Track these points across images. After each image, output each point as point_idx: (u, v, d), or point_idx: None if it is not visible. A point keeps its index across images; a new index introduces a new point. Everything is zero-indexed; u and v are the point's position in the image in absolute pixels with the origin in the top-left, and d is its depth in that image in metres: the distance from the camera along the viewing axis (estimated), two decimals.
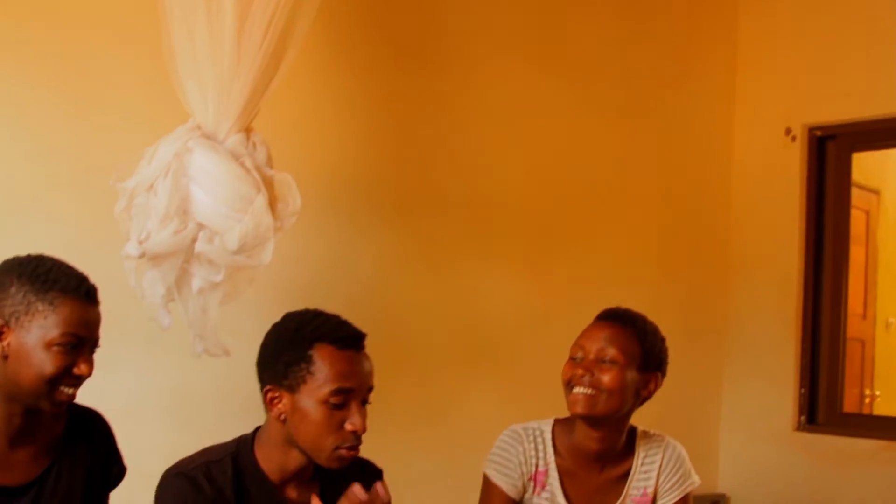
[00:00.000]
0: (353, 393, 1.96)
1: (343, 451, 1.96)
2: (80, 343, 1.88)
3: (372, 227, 4.03)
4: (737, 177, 5.14)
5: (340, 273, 3.91)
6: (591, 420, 2.25)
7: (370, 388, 2.00)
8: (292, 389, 1.93)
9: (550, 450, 2.34)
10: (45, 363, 1.85)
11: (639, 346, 2.27)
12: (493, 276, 4.33)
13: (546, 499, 2.31)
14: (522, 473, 2.31)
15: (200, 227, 2.79)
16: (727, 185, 5.14)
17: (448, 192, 4.25)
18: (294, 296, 3.63)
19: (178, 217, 2.76)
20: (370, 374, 2.00)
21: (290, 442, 1.97)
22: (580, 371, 2.23)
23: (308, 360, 1.93)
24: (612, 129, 4.71)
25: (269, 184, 2.85)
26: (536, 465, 2.32)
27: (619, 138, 4.73)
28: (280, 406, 1.95)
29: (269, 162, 2.92)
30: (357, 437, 1.96)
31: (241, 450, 2.03)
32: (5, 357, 1.87)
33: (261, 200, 2.77)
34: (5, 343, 1.86)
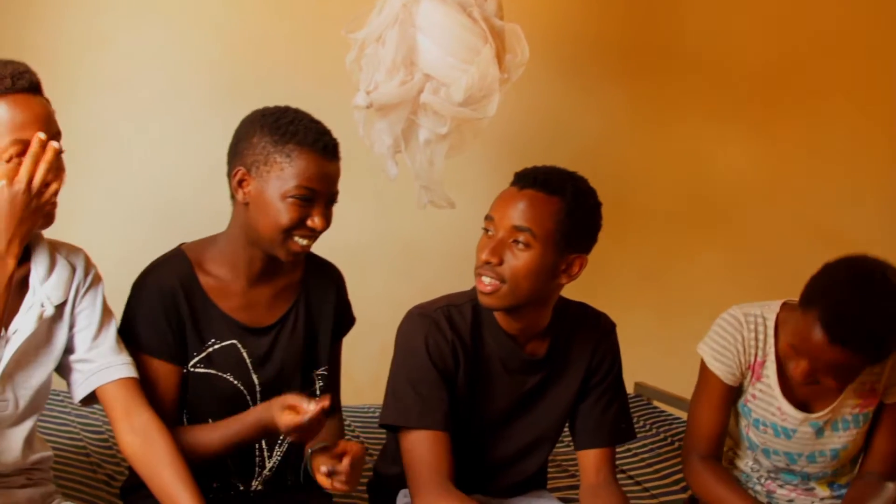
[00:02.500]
0: None
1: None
2: (314, 196, 1.90)
3: (600, 84, 3.92)
4: None
5: (565, 130, 3.84)
6: None
7: None
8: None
9: (771, 339, 2.19)
10: (280, 214, 1.88)
11: None
12: (722, 139, 4.14)
13: (762, 391, 2.21)
14: (741, 363, 2.20)
15: (427, 78, 2.77)
16: None
17: (679, 52, 4.05)
18: (518, 151, 3.61)
19: (404, 67, 2.76)
20: None
21: (547, 302, 2.00)
22: (800, 379, 2.05)
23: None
24: None
25: (497, 35, 2.79)
26: (755, 355, 2.20)
27: None
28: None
29: (499, 12, 2.85)
30: None
31: None
32: (246, 204, 1.93)
33: (488, 51, 2.72)
34: (247, 190, 1.92)
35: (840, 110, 4.28)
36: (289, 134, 1.89)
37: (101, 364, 1.83)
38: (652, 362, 3.76)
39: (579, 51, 3.78)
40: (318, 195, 1.91)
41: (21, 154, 1.65)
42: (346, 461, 1.82)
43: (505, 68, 2.82)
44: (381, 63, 2.76)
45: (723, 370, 2.21)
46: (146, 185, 3.46)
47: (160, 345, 1.93)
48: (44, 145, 1.66)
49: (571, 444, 2.20)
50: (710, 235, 4.15)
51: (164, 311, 1.94)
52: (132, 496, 2.03)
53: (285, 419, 1.83)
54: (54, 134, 1.71)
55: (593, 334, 2.11)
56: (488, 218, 1.95)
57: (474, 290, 2.06)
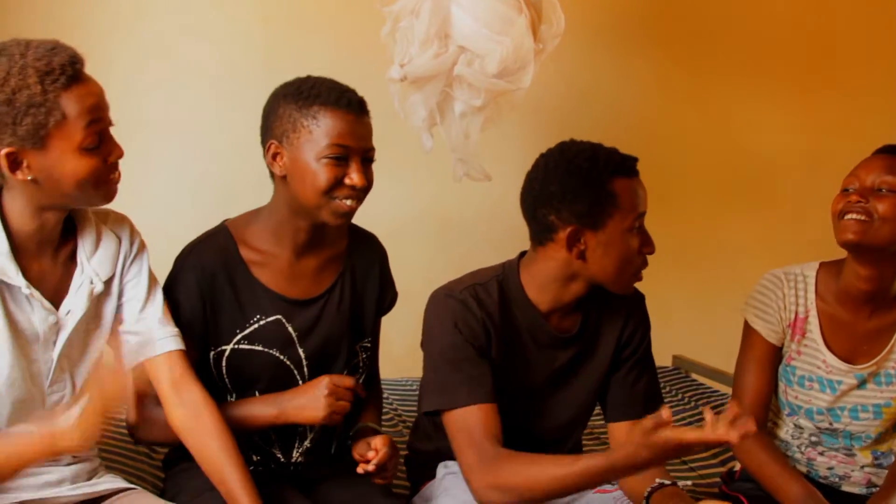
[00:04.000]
0: (644, 217, 1.97)
1: (640, 277, 2.00)
2: (348, 153, 1.89)
3: (637, 55, 3.87)
4: None
5: (603, 101, 3.81)
6: (861, 249, 2.10)
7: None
8: (597, 226, 1.91)
9: (812, 295, 2.23)
10: (318, 176, 1.88)
11: None
12: (759, 107, 4.08)
13: (806, 346, 2.22)
14: (781, 319, 2.23)
15: (461, 50, 2.75)
16: None
17: (716, 21, 3.99)
18: (555, 123, 3.59)
19: (438, 40, 2.74)
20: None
21: (575, 275, 1.98)
22: (854, 198, 2.08)
23: (612, 195, 1.90)
24: None
25: (531, 4, 2.75)
26: (796, 312, 2.23)
27: None
28: (580, 245, 1.93)
29: None
30: (646, 261, 1.98)
31: (508, 275, 2.04)
32: (284, 177, 1.93)
33: (522, 22, 2.69)
34: (282, 163, 1.92)
35: (881, 80, 4.21)
36: (311, 97, 1.89)
37: (149, 337, 1.84)
38: (690, 335, 3.75)
39: (617, 20, 3.74)
40: (352, 151, 1.90)
41: (98, 138, 1.64)
42: (371, 465, 1.90)
43: (540, 39, 2.79)
44: (416, 35, 2.75)
45: (766, 328, 2.23)
46: (183, 157, 3.48)
47: (189, 325, 1.94)
48: None
49: None
50: (747, 206, 4.11)
51: (199, 293, 1.95)
52: (173, 468, 2.05)
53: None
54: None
55: (623, 307, 2.11)
56: None
57: (500, 266, 2.07)
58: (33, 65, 1.57)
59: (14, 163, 1.60)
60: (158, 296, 1.88)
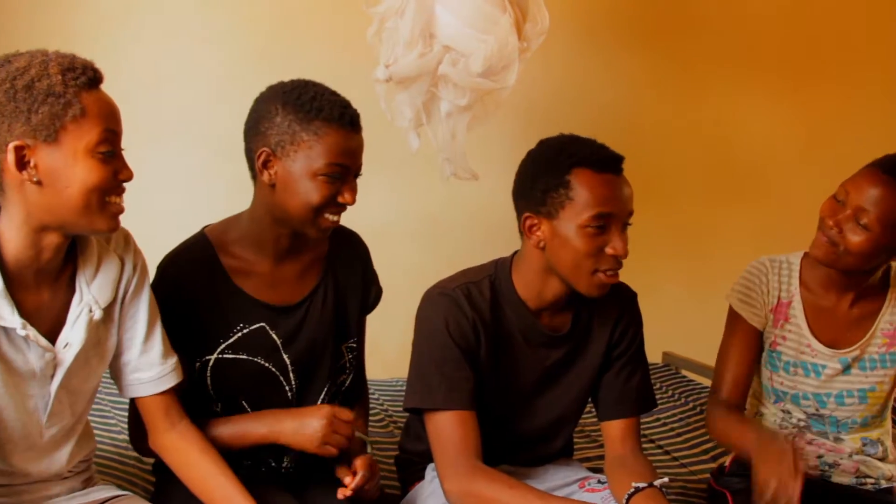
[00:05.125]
0: (613, 217, 1.88)
1: (602, 276, 1.92)
2: (344, 172, 1.87)
3: (623, 52, 3.88)
4: None
5: (590, 98, 3.81)
6: (830, 267, 2.17)
7: (630, 213, 1.92)
8: (551, 216, 1.89)
9: (796, 281, 2.26)
10: (311, 192, 1.85)
11: None
12: (751, 102, 4.09)
13: (790, 331, 2.25)
14: (765, 304, 2.26)
15: (446, 49, 2.75)
16: None
17: (704, 12, 4.00)
18: (542, 122, 3.59)
19: (423, 40, 2.74)
20: (630, 198, 1.91)
21: (549, 269, 1.97)
22: (830, 222, 2.10)
23: (567, 186, 1.87)
24: None
25: (516, 3, 2.76)
26: (779, 297, 2.26)
27: None
28: (539, 233, 1.93)
29: None
30: (617, 261, 1.91)
31: (499, 273, 2.04)
32: (272, 185, 1.89)
33: (506, 20, 2.69)
34: (272, 171, 1.88)
35: (872, 72, 4.22)
36: (314, 110, 1.84)
37: (152, 375, 1.81)
38: (680, 331, 3.75)
39: (602, 17, 3.74)
40: (348, 170, 1.88)
41: (112, 146, 1.58)
42: (348, 491, 1.86)
43: (525, 37, 2.79)
44: (400, 36, 2.75)
45: (749, 311, 2.26)
46: (167, 158, 3.47)
47: (172, 337, 1.90)
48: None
49: None
50: (739, 202, 4.12)
51: (181, 306, 1.93)
52: (164, 474, 2.04)
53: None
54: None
55: (615, 304, 2.10)
56: None
57: (492, 265, 2.06)
58: (56, 60, 1.54)
59: (21, 160, 1.52)
60: (158, 325, 1.83)
